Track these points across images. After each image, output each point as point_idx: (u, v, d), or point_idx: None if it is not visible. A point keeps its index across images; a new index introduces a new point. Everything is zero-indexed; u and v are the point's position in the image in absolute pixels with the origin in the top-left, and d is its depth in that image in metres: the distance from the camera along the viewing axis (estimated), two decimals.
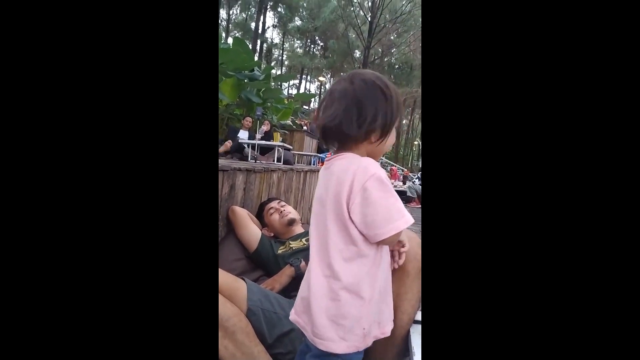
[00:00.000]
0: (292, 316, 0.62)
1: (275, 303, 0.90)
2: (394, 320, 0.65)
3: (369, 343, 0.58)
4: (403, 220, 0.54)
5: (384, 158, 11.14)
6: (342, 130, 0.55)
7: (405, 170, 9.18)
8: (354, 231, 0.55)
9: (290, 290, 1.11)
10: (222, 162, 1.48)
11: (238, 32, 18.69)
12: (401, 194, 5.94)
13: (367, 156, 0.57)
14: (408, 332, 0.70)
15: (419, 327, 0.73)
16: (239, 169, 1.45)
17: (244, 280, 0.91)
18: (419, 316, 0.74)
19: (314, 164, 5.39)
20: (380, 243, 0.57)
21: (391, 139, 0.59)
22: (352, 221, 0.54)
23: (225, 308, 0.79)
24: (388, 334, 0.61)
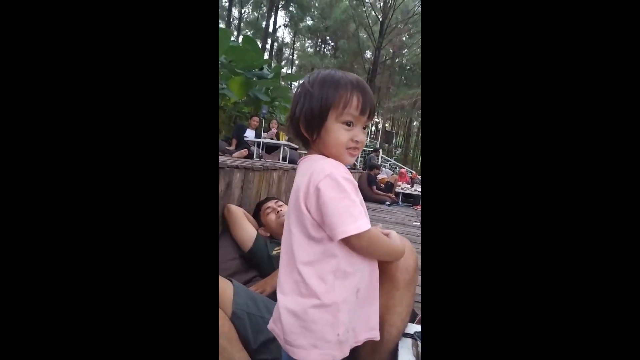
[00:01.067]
0: (270, 324, 0.59)
1: (263, 307, 0.86)
2: (382, 333, 0.60)
3: (346, 352, 0.54)
4: (354, 226, 0.51)
5: (392, 160, 11.00)
6: (288, 129, 0.60)
7: (414, 173, 9.04)
8: (316, 230, 0.53)
9: None
10: (219, 159, 1.46)
11: (249, 31, 18.80)
12: (408, 196, 5.83)
13: (329, 156, 0.56)
14: (397, 346, 0.65)
15: (409, 341, 0.68)
16: (236, 167, 1.42)
17: (231, 281, 0.88)
18: (408, 329, 0.69)
19: None
20: (349, 245, 0.53)
21: (336, 135, 0.56)
22: (314, 219, 0.53)
23: None
24: (360, 343, 0.57)
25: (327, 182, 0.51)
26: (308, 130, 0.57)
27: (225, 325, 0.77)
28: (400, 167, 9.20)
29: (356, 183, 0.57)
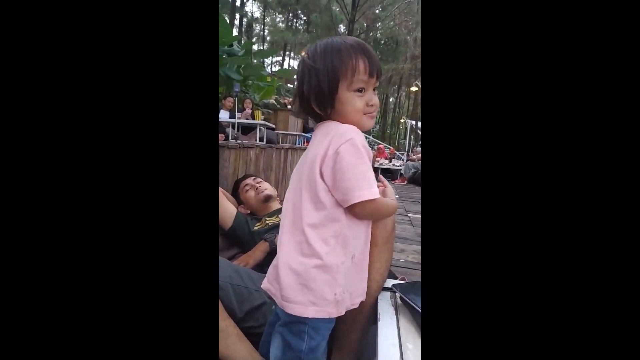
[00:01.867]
0: (264, 284, 0.61)
1: (246, 277, 0.88)
2: (376, 288, 0.65)
3: (342, 312, 0.57)
4: (369, 192, 0.53)
5: (370, 137, 11.08)
6: (298, 108, 0.60)
7: (391, 148, 9.20)
8: (324, 195, 0.54)
9: (264, 265, 1.10)
10: None
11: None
12: (386, 171, 5.97)
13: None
14: (376, 299, 0.70)
15: (387, 294, 0.73)
16: None
17: None
18: (387, 284, 0.74)
19: (299, 144, 5.31)
20: (352, 211, 0.55)
21: (351, 104, 0.56)
22: (325, 184, 0.54)
23: None
24: (356, 306, 0.61)
25: (347, 147, 0.52)
26: (320, 106, 0.56)
27: None
28: (379, 144, 9.32)
29: (371, 152, 0.59)
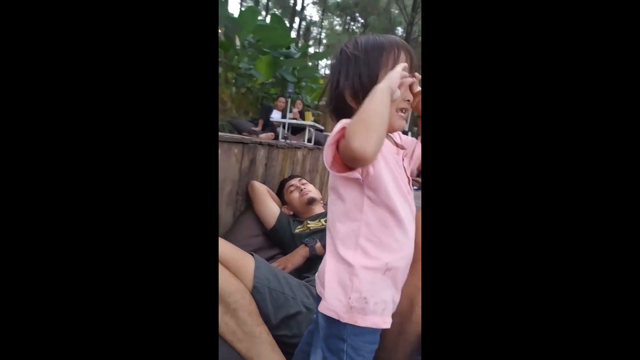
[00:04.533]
0: (318, 287, 0.58)
1: (284, 283, 0.85)
2: (410, 316, 0.57)
3: (357, 321, 0.51)
4: (326, 157, 0.48)
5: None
6: (330, 106, 0.56)
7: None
8: (341, 187, 0.52)
9: (304, 271, 1.06)
10: (245, 139, 1.44)
11: (277, 10, 18.45)
12: None
13: None
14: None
15: None
16: (260, 143, 1.40)
17: (252, 255, 0.87)
18: None
19: None
20: (352, 164, 0.47)
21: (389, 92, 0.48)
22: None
23: (229, 283, 0.76)
24: (387, 325, 0.53)
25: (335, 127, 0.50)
26: (356, 98, 0.53)
27: (246, 299, 0.77)
28: None
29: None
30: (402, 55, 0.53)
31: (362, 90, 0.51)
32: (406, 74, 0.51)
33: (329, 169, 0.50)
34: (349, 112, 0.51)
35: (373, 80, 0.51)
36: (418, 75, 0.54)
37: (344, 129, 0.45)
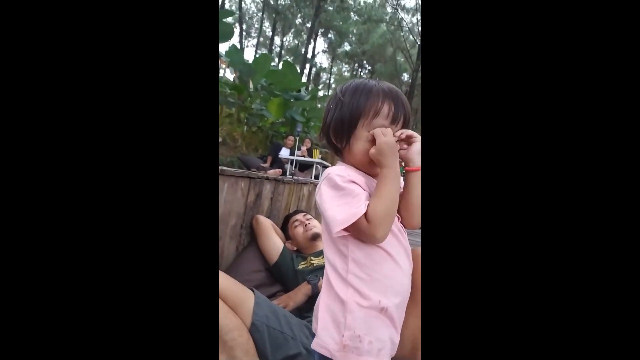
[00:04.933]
0: (314, 324, 0.56)
1: (284, 321, 0.82)
2: (410, 348, 0.54)
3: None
4: (335, 224, 0.50)
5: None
6: (320, 135, 0.63)
7: None
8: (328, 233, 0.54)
9: (305, 310, 1.02)
10: (253, 174, 1.49)
11: (290, 57, 19.90)
12: None
13: (356, 166, 0.57)
14: None
15: None
16: (267, 178, 1.43)
17: (253, 291, 0.85)
18: None
19: None
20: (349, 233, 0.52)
21: (364, 144, 0.54)
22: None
23: (227, 319, 0.73)
24: None
25: (325, 182, 0.54)
26: (337, 138, 0.57)
27: (243, 337, 0.73)
28: None
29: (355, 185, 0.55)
30: (385, 106, 0.54)
31: (341, 131, 0.56)
32: (391, 133, 0.53)
33: (332, 232, 0.51)
34: (335, 149, 0.60)
35: (352, 125, 0.55)
36: (405, 132, 0.55)
37: (358, 217, 0.49)
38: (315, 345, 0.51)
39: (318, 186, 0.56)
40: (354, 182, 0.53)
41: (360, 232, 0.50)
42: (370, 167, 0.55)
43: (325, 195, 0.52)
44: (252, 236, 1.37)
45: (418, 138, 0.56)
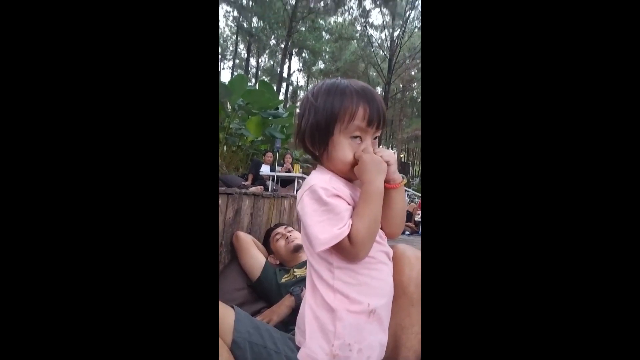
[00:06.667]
0: (297, 337, 0.56)
1: (267, 336, 0.79)
2: (393, 347, 0.54)
3: None
4: (318, 243, 0.49)
5: (410, 189, 10.78)
6: (295, 142, 0.61)
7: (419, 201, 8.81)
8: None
9: (290, 323, 1.00)
10: (228, 189, 1.47)
11: (266, 77, 20.20)
12: (418, 224, 5.58)
13: (336, 172, 0.55)
14: None
15: None
16: (245, 194, 1.42)
17: (233, 308, 0.82)
18: None
19: None
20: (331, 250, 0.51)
21: (342, 151, 0.53)
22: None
23: None
24: None
25: (307, 194, 0.51)
26: (314, 145, 0.55)
27: (224, 355, 0.71)
28: (419, 197, 8.97)
29: (339, 199, 0.53)
30: (360, 109, 0.52)
31: (317, 138, 0.54)
32: (372, 152, 0.52)
33: (314, 250, 0.51)
34: (312, 155, 0.57)
35: (329, 130, 0.52)
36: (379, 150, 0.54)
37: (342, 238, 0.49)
38: (302, 355, 0.50)
39: (300, 195, 0.53)
40: (339, 196, 0.51)
41: (342, 251, 0.49)
42: (351, 173, 0.54)
43: (307, 208, 0.50)
44: (232, 254, 1.34)
45: (394, 159, 0.55)
